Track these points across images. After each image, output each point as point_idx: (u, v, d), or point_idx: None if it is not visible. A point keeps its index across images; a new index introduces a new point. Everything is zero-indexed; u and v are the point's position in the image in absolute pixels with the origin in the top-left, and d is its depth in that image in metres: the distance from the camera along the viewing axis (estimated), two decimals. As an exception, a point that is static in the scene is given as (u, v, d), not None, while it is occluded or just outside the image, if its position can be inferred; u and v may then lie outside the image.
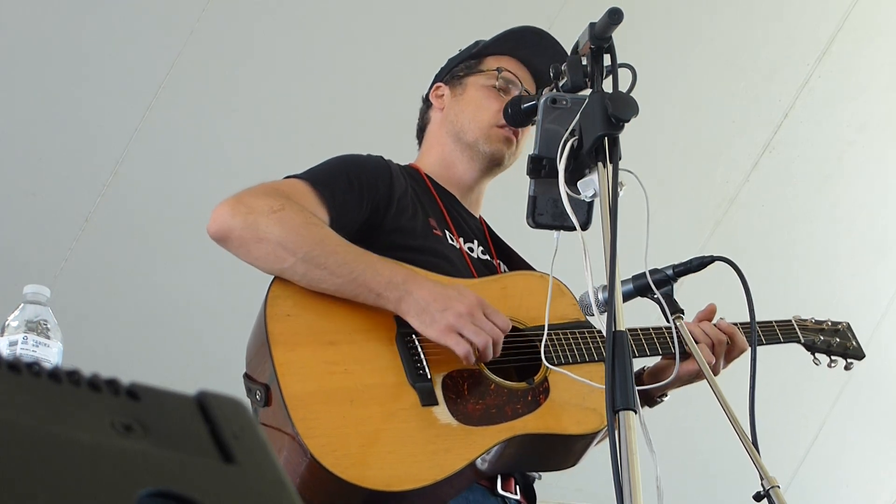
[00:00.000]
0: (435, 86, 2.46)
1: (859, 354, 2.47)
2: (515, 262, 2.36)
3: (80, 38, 3.63)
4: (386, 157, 2.27)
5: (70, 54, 3.63)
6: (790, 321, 2.43)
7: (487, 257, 2.31)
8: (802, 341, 2.41)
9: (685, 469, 4.81)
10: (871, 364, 5.25)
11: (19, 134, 3.68)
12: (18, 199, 3.73)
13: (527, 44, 2.40)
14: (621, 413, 1.40)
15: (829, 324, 2.47)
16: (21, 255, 3.77)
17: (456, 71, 2.44)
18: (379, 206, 2.14)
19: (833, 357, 2.43)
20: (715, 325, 2.25)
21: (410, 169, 2.37)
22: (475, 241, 2.31)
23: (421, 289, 1.95)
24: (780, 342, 2.38)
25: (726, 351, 2.22)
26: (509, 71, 2.37)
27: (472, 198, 2.41)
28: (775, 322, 2.39)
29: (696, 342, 2.14)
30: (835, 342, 2.44)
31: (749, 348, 2.23)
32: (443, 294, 1.95)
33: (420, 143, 2.48)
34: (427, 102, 2.47)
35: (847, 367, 2.45)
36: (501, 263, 2.34)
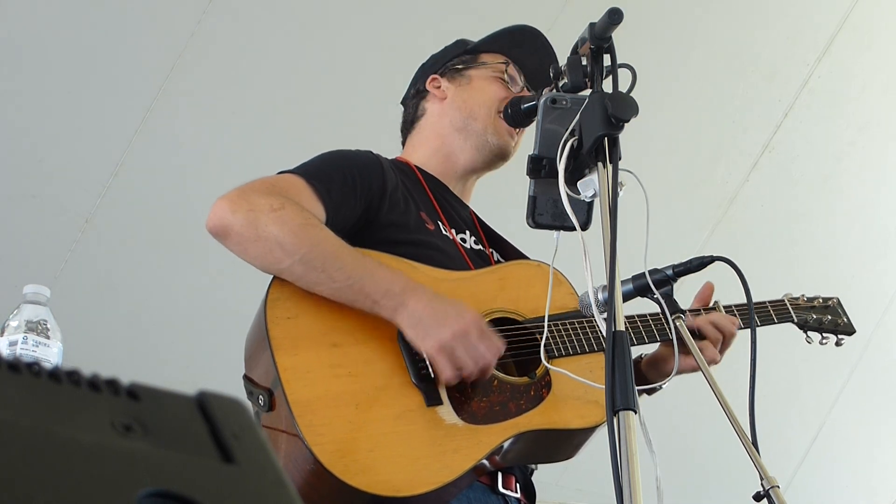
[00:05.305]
0: (430, 77, 2.41)
1: (850, 330, 2.47)
2: (507, 252, 2.35)
3: (80, 39, 3.63)
4: (374, 152, 2.26)
5: (71, 55, 3.63)
6: (782, 300, 2.43)
7: (480, 247, 2.31)
8: (795, 320, 2.42)
9: (685, 469, 4.81)
10: (871, 365, 5.28)
11: (20, 134, 3.68)
12: (19, 200, 3.73)
13: (521, 43, 2.40)
14: (621, 413, 1.40)
15: (820, 301, 2.47)
16: (21, 255, 3.77)
17: (451, 65, 2.41)
18: (372, 201, 2.13)
19: (825, 334, 2.44)
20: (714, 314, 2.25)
21: (399, 163, 2.34)
22: (467, 232, 2.30)
23: (418, 301, 1.92)
24: (775, 323, 2.39)
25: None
26: (513, 65, 2.37)
27: (464, 189, 2.39)
28: (768, 302, 2.40)
29: (704, 338, 2.15)
30: (826, 319, 2.45)
31: (741, 329, 2.25)
32: (439, 311, 1.93)
33: (406, 137, 2.44)
34: (422, 93, 2.42)
35: (838, 344, 2.45)
36: (494, 252, 2.33)
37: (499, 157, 2.35)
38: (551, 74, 1.82)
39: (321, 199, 2.05)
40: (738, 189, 4.80)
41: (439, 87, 2.39)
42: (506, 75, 2.36)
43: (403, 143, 2.46)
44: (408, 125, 2.45)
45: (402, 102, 2.49)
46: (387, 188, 2.16)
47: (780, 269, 4.77)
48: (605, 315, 1.50)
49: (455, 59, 2.41)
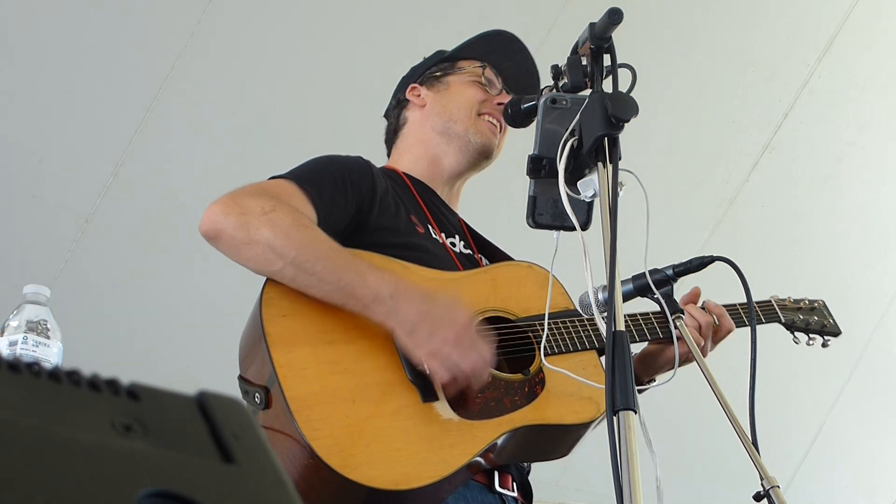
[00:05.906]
0: (410, 87, 2.45)
1: (836, 331, 2.49)
2: (496, 256, 2.36)
3: (80, 38, 3.63)
4: (365, 158, 2.27)
5: (71, 55, 3.63)
6: (769, 301, 2.45)
7: (469, 251, 2.32)
8: (783, 321, 2.43)
9: (685, 469, 4.81)
10: (871, 365, 5.28)
11: (19, 134, 3.68)
12: (19, 200, 3.73)
13: (497, 49, 2.43)
14: (621, 413, 1.40)
15: (806, 302, 2.50)
16: (21, 255, 3.77)
17: (430, 73, 2.44)
18: (363, 205, 2.14)
19: (811, 335, 2.46)
20: (702, 305, 2.26)
21: (387, 170, 2.37)
22: (457, 236, 2.32)
23: (410, 307, 1.92)
24: (762, 322, 2.40)
25: (713, 332, 2.23)
26: (491, 69, 2.40)
27: (452, 193, 2.41)
28: (755, 302, 2.40)
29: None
30: (812, 320, 2.47)
31: (734, 328, 2.26)
32: (431, 315, 1.92)
33: (391, 147, 2.48)
34: (402, 103, 2.46)
35: (824, 345, 2.47)
36: (483, 258, 2.34)
37: (483, 155, 2.36)
38: (551, 74, 1.82)
39: (312, 202, 2.06)
40: (738, 189, 4.80)
41: (419, 96, 2.43)
42: (483, 78, 2.39)
43: (389, 155, 2.49)
44: (391, 135, 2.49)
45: (385, 115, 2.53)
46: (377, 191, 2.17)
47: (780, 269, 4.77)
48: (604, 315, 1.50)
49: (433, 68, 2.45)
